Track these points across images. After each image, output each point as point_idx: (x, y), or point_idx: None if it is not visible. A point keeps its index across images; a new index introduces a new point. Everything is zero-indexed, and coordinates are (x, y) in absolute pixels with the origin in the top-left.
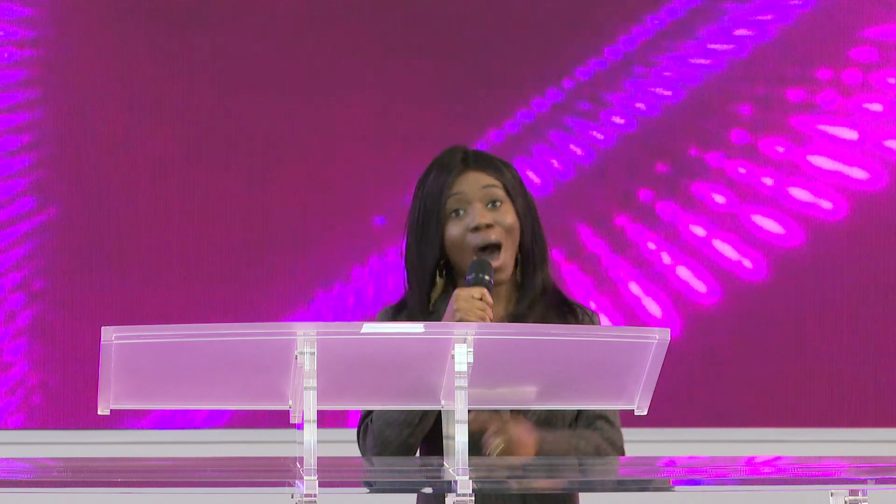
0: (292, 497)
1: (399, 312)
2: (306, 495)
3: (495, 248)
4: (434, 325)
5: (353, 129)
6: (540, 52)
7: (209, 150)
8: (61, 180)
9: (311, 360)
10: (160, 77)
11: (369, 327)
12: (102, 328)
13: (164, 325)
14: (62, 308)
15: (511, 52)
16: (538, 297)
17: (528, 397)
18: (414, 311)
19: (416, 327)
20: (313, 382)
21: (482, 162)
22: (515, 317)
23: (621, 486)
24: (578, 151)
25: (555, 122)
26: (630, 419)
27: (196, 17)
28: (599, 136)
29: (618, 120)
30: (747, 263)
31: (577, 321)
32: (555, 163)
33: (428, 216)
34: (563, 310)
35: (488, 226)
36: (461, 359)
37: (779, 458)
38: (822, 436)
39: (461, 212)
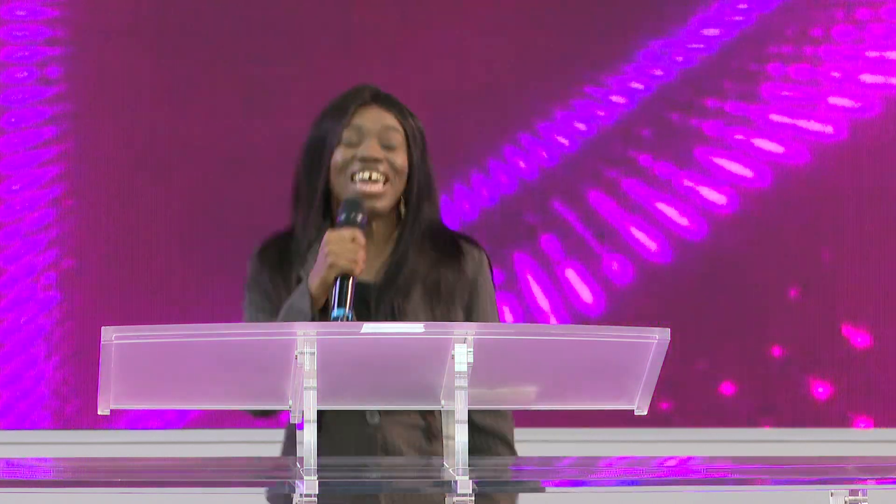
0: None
1: (282, 242)
2: (306, 495)
3: (369, 184)
4: (434, 325)
5: None
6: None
7: (210, 150)
8: (63, 180)
9: (311, 360)
10: (163, 81)
11: (369, 327)
12: (102, 328)
13: (164, 325)
14: (62, 307)
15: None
16: (423, 237)
17: (528, 397)
18: (300, 243)
19: (416, 327)
20: (313, 382)
21: (389, 102)
22: (395, 260)
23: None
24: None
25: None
26: (631, 419)
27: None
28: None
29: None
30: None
31: (462, 258)
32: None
33: (321, 142)
34: (450, 249)
35: (376, 160)
36: (461, 359)
37: (778, 457)
38: (822, 436)
39: (354, 141)
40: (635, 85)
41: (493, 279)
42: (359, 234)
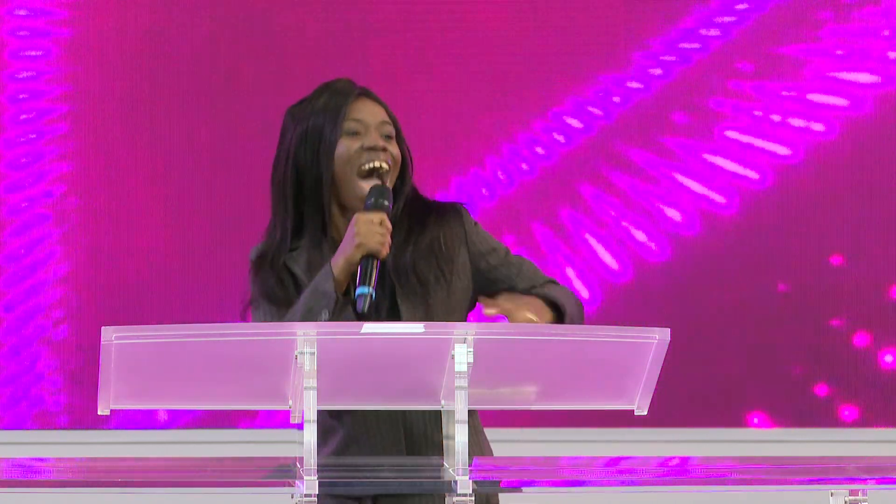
0: (292, 497)
1: (274, 245)
2: (306, 495)
3: (383, 172)
4: (434, 326)
5: None
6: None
7: (209, 150)
8: (62, 181)
9: (311, 360)
10: (161, 80)
11: (369, 327)
12: (102, 328)
13: (164, 325)
14: (62, 307)
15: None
16: (409, 215)
17: (528, 397)
18: (315, 238)
19: (416, 327)
20: (313, 382)
21: (376, 96)
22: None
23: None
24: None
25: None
26: (631, 419)
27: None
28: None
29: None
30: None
31: (448, 218)
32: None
33: (321, 132)
34: (431, 216)
35: (383, 149)
36: (461, 359)
37: (778, 457)
38: (822, 436)
39: (358, 133)
40: (633, 84)
41: (477, 223)
42: (386, 219)
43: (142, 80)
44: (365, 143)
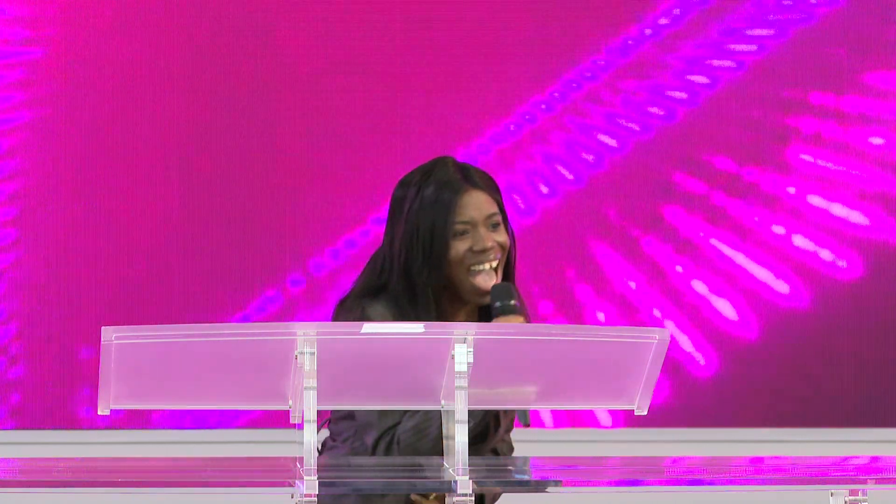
0: (292, 497)
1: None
2: (306, 495)
3: (490, 274)
4: (434, 326)
5: (350, 132)
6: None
7: (209, 150)
8: (60, 177)
9: (311, 360)
10: (162, 80)
11: (369, 327)
12: (102, 328)
13: (164, 325)
14: (60, 308)
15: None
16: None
17: (528, 397)
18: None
19: (416, 327)
20: (313, 382)
21: (480, 182)
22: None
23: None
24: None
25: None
26: (633, 418)
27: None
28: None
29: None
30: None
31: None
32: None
33: (433, 233)
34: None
35: (491, 249)
36: (461, 359)
37: (778, 457)
38: (822, 436)
39: (466, 234)
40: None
41: None
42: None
43: (142, 78)
44: (475, 246)
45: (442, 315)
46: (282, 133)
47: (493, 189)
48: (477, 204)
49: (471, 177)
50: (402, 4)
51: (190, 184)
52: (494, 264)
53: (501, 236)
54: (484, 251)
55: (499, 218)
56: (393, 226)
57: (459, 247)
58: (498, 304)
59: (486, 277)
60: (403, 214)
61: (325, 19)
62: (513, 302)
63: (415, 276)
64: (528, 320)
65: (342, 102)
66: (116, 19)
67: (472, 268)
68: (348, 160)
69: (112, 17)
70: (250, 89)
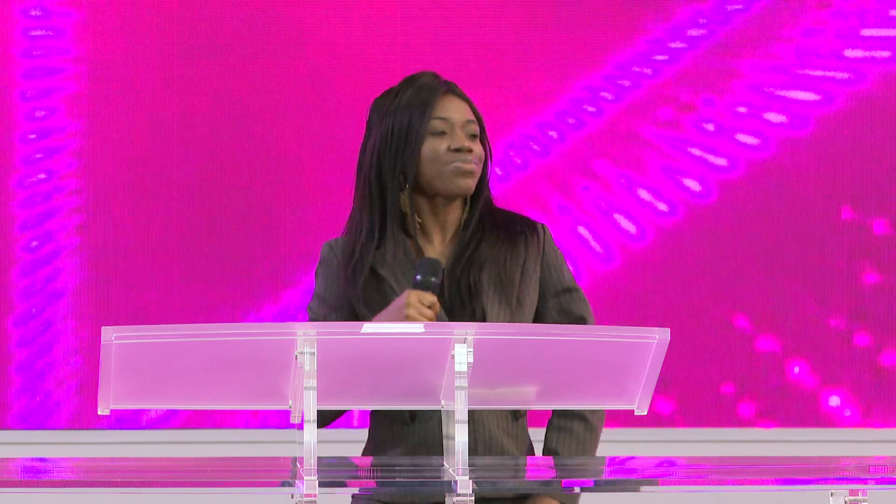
0: (292, 497)
1: (348, 245)
2: (306, 495)
3: (469, 174)
4: (434, 325)
5: (350, 133)
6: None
7: (210, 151)
8: (66, 181)
9: (311, 360)
10: (162, 80)
11: (369, 327)
12: (102, 328)
13: (164, 325)
14: (62, 307)
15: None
16: (481, 218)
17: (528, 397)
18: (398, 239)
19: (416, 327)
20: (313, 382)
21: (461, 93)
22: (467, 240)
23: (609, 486)
24: None
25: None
26: (632, 419)
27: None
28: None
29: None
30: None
31: (524, 240)
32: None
33: (408, 130)
34: (510, 232)
35: (470, 150)
36: (461, 359)
37: (778, 457)
38: (822, 436)
39: (444, 133)
40: (604, 97)
41: (556, 247)
42: (437, 303)
43: (142, 80)
44: (452, 144)
45: (415, 229)
46: (282, 134)
47: (471, 103)
48: (457, 108)
49: (453, 86)
50: (402, 4)
51: (190, 184)
52: (472, 167)
53: (478, 147)
54: (462, 150)
55: (477, 129)
56: (368, 137)
57: (437, 144)
58: (419, 277)
59: (467, 178)
60: (380, 119)
61: (324, 18)
62: (433, 279)
63: (386, 179)
64: (443, 303)
65: (342, 103)
66: (120, 22)
67: (451, 164)
68: (348, 160)
69: (114, 17)
70: (250, 89)
